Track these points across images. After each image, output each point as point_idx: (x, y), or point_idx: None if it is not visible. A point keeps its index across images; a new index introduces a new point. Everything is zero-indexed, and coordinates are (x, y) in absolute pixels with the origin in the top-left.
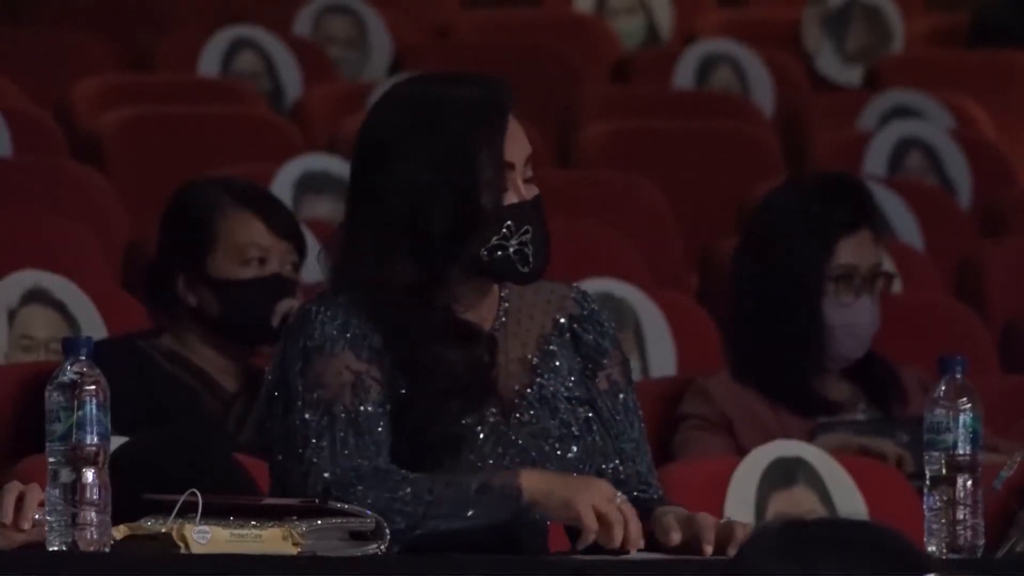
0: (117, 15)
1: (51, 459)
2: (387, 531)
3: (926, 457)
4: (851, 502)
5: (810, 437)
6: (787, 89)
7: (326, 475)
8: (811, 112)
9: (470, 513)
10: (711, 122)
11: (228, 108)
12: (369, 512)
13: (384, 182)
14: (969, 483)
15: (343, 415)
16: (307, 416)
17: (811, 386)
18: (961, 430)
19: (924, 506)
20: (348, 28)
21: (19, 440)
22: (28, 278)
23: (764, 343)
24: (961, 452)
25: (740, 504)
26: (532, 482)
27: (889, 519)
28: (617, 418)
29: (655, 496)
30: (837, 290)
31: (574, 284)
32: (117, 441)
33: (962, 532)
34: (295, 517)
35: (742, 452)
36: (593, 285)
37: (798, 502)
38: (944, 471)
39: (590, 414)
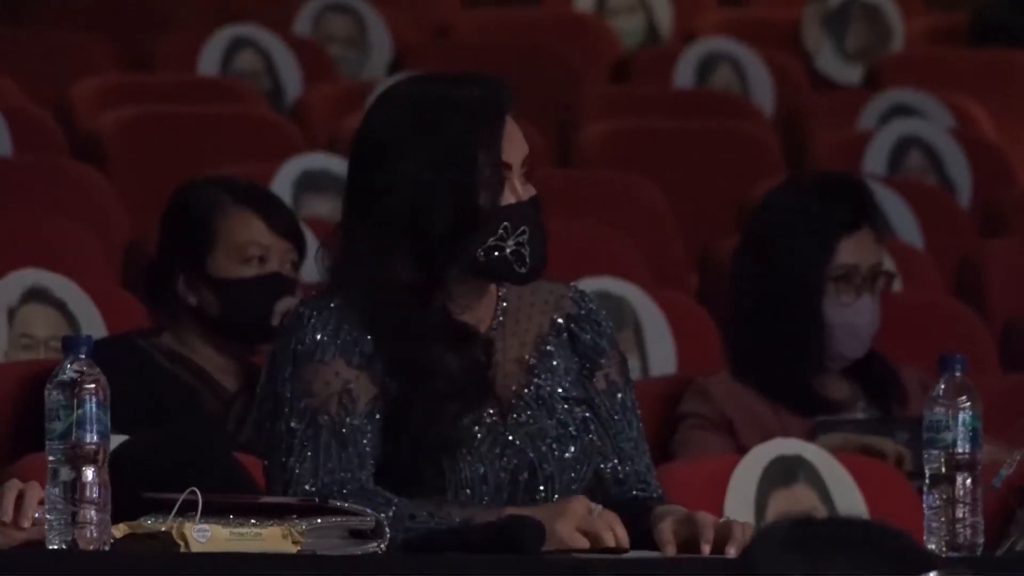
0: (117, 15)
1: (51, 457)
2: (387, 530)
3: (925, 455)
4: (851, 501)
5: (810, 436)
6: (787, 88)
7: (307, 486)
8: (811, 111)
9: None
10: (711, 122)
11: (228, 107)
12: (369, 511)
13: (382, 181)
14: (968, 481)
15: (329, 426)
16: (293, 424)
17: (811, 385)
18: (961, 428)
19: (924, 504)
20: (348, 27)
21: (19, 438)
22: (28, 277)
23: (764, 343)
24: (960, 450)
25: (740, 503)
26: None
27: (889, 518)
28: (615, 417)
29: (654, 495)
30: (837, 290)
31: (572, 284)
32: (117, 440)
33: (961, 530)
34: (295, 515)
35: (742, 451)
36: (593, 285)
37: (798, 501)
38: (944, 469)
39: (587, 414)
